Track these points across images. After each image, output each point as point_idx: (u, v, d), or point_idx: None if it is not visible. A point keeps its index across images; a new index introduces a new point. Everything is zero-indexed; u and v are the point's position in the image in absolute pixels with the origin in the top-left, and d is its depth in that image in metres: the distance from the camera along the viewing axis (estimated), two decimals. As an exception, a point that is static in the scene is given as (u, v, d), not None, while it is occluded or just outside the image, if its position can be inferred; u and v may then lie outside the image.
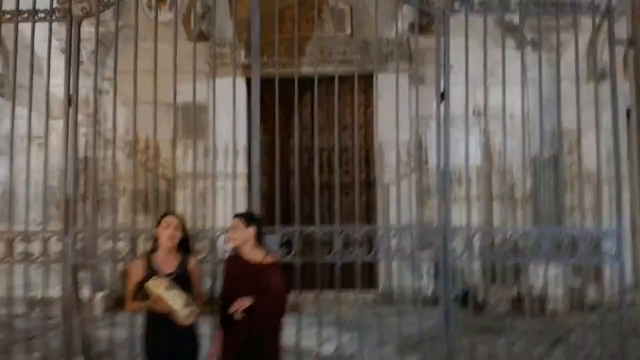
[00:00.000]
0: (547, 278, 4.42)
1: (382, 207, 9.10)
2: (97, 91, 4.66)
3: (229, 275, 3.51)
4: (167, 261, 3.47)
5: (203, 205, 8.57)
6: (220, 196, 8.38)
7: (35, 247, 4.41)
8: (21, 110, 4.50)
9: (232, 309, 3.29)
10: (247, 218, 3.60)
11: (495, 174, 9.52)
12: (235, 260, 3.56)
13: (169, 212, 3.68)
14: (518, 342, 4.45)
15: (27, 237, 4.38)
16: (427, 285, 8.24)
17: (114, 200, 6.41)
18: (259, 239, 3.57)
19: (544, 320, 4.22)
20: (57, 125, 4.65)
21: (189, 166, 8.86)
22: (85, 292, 6.91)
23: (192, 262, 3.57)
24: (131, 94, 4.57)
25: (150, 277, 3.30)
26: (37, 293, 4.57)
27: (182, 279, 3.38)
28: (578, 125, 4.25)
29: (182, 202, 8.51)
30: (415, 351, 4.88)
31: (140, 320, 3.69)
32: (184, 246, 3.57)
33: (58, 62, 4.58)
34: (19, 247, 4.37)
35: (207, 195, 8.70)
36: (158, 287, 3.21)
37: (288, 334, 3.95)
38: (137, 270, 3.45)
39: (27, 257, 4.41)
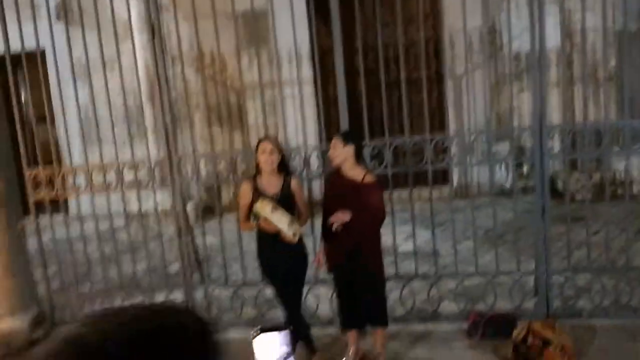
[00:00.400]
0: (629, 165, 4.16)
1: (454, 104, 8.79)
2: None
3: (330, 190, 3.70)
4: (270, 183, 3.69)
5: (274, 115, 8.65)
6: (289, 104, 8.42)
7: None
8: (88, 35, 4.59)
9: (331, 221, 3.48)
10: (345, 136, 3.68)
11: (576, 54, 8.93)
12: (337, 176, 3.70)
13: (264, 137, 3.81)
14: (602, 230, 4.35)
15: (134, 165, 4.71)
16: (504, 177, 8.13)
17: (190, 117, 6.55)
18: (358, 156, 3.66)
19: (627, 205, 4.03)
20: (126, 47, 4.71)
21: (256, 76, 9.13)
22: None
23: (294, 182, 3.77)
24: (190, 7, 4.52)
25: (258, 199, 3.55)
26: (133, 208, 4.90)
27: (285, 199, 3.62)
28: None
29: (253, 112, 8.64)
30: (502, 241, 4.88)
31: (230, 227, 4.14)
32: (283, 167, 3.76)
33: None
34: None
35: (276, 104, 8.77)
36: (264, 210, 3.48)
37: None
38: (245, 192, 3.69)
39: (136, 183, 4.76)
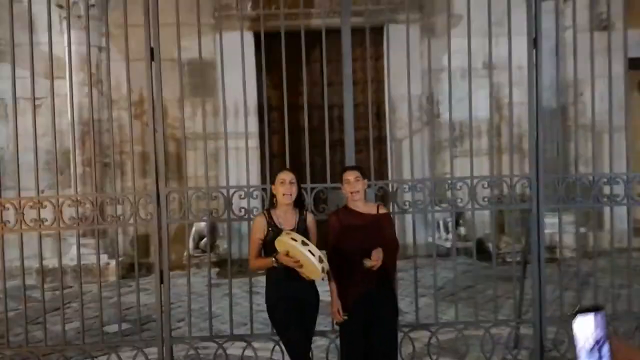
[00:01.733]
0: (557, 226, 4.32)
1: (395, 162, 9.00)
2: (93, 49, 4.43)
3: (345, 229, 3.48)
4: (287, 217, 3.48)
5: (215, 167, 8.47)
6: (232, 157, 8.28)
7: (49, 214, 4.14)
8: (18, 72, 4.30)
9: (371, 263, 3.22)
10: (362, 170, 3.63)
11: (504, 126, 9.45)
12: (348, 213, 3.55)
13: (283, 169, 3.59)
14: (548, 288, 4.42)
15: (77, 202, 4.18)
16: (443, 238, 8.35)
17: (122, 163, 6.26)
18: (365, 192, 3.65)
19: (559, 267, 4.14)
20: (57, 86, 4.44)
21: (198, 127, 9.05)
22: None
23: (309, 218, 3.59)
24: (134, 50, 4.36)
25: (275, 233, 3.30)
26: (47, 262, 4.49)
27: (302, 235, 3.35)
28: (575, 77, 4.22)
29: (193, 164, 8.43)
30: (458, 298, 4.80)
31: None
32: (300, 201, 3.57)
33: (53, 19, 4.37)
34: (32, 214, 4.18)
35: (218, 156, 8.62)
36: (292, 243, 3.20)
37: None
38: (260, 226, 3.45)
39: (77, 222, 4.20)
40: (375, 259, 3.19)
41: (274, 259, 3.21)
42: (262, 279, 3.76)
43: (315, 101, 7.34)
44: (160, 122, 4.07)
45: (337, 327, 3.69)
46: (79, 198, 4.10)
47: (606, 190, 4.24)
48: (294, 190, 3.39)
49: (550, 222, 4.56)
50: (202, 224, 7.92)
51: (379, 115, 9.16)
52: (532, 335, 4.21)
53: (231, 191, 4.14)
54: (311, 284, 3.39)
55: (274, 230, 3.34)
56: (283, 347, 3.76)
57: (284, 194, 3.38)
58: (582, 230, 6.33)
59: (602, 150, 5.12)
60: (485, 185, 4.19)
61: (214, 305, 4.08)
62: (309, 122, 4.16)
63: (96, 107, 4.61)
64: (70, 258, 5.83)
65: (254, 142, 8.50)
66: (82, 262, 4.19)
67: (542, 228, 4.15)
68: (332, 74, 4.98)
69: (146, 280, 6.64)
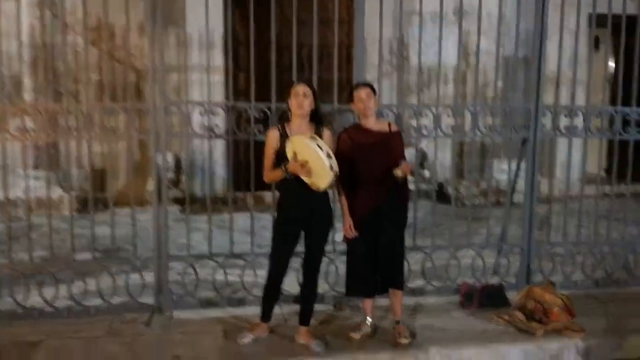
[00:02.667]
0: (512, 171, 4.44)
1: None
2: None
3: (356, 146, 3.38)
4: (301, 131, 3.26)
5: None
6: (196, 91, 8.02)
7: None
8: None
9: (401, 173, 3.20)
10: (373, 87, 3.47)
11: (470, 74, 9.45)
12: (359, 131, 3.46)
13: (298, 81, 3.38)
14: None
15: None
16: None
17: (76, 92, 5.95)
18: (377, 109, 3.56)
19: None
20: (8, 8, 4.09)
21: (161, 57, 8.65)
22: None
23: (327, 134, 3.35)
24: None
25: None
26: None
27: None
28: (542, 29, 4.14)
29: (152, 97, 8.08)
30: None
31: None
32: (316, 116, 3.37)
33: None
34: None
35: (180, 90, 8.30)
36: (300, 141, 3.06)
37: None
38: (274, 138, 3.28)
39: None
40: (405, 168, 3.21)
41: (283, 167, 3.13)
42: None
43: (287, 40, 6.99)
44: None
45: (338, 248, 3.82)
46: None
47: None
48: (306, 102, 3.21)
49: (505, 167, 4.58)
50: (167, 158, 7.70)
51: (349, 57, 8.94)
52: (520, 260, 4.33)
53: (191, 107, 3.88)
54: (322, 199, 3.29)
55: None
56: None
57: (296, 106, 3.23)
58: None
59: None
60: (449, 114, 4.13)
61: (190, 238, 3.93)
62: (278, 61, 3.92)
63: (49, 30, 4.27)
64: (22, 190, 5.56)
65: (219, 77, 8.23)
66: (34, 195, 4.00)
67: (536, 157, 4.22)
68: (304, 13, 4.72)
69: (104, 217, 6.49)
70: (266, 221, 3.93)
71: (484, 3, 4.14)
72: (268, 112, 3.84)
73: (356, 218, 3.39)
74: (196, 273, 3.88)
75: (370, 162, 3.27)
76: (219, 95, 8.07)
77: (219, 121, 3.89)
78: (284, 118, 3.39)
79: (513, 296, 4.11)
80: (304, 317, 3.41)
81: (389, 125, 3.48)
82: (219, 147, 8.35)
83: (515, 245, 4.35)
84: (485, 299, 4.01)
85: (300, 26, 4.46)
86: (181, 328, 3.63)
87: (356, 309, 3.94)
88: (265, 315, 3.43)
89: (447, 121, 4.16)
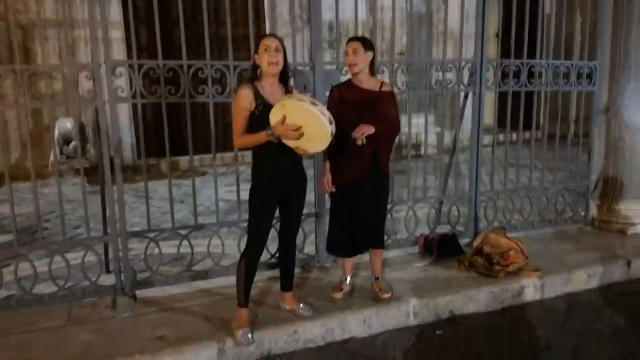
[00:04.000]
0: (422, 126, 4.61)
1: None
2: None
3: (341, 103, 3.20)
4: (273, 92, 2.97)
5: (72, 62, 7.35)
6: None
7: None
8: None
9: (355, 134, 3.08)
10: (365, 42, 3.27)
11: (378, 29, 9.61)
12: (350, 88, 3.32)
13: (268, 34, 3.01)
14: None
15: None
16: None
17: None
18: (372, 67, 3.35)
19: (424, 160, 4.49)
20: None
21: (49, 13, 7.70)
22: None
23: (295, 93, 3.09)
24: None
25: (264, 108, 2.85)
26: None
27: None
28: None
29: (42, 57, 7.22)
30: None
31: None
32: (285, 74, 3.04)
33: None
34: None
35: (74, 48, 7.48)
36: (301, 102, 2.76)
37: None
38: (247, 98, 2.89)
39: None
40: (358, 132, 3.09)
41: (269, 131, 2.82)
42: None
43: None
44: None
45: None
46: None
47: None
48: (280, 59, 2.90)
49: (415, 122, 4.69)
50: (68, 125, 6.98)
51: (258, 10, 8.62)
52: (468, 208, 4.55)
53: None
54: (301, 165, 3.10)
55: (263, 105, 2.88)
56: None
57: (269, 63, 2.88)
58: (439, 129, 6.85)
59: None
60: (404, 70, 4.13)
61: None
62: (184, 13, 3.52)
63: None
64: None
65: (118, 33, 7.54)
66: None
67: (482, 111, 4.40)
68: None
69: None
70: (188, 187, 3.69)
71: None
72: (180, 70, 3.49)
73: (340, 182, 3.32)
74: (160, 250, 3.61)
75: (355, 122, 3.14)
76: (119, 52, 7.43)
77: (122, 83, 3.42)
78: (252, 76, 3.02)
79: (464, 244, 4.39)
80: (288, 283, 3.33)
81: (381, 84, 3.36)
82: (124, 111, 7.76)
83: (464, 195, 4.57)
84: (442, 248, 4.21)
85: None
86: (151, 308, 3.38)
87: (324, 269, 3.96)
88: (247, 299, 3.11)
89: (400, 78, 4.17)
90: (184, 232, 3.66)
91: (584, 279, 3.96)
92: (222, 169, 8.21)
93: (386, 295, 3.46)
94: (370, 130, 3.11)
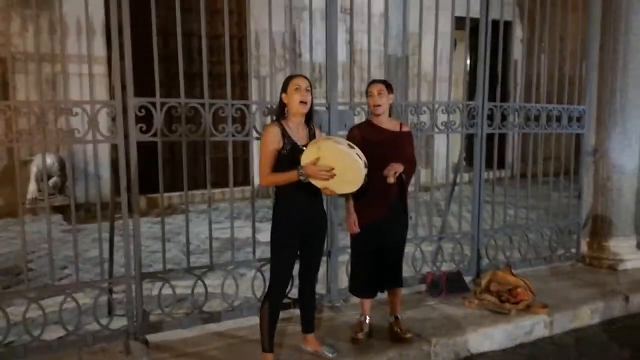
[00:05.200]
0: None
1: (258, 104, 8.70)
2: None
3: (367, 143, 3.17)
4: (299, 132, 2.98)
5: (53, 96, 7.17)
6: (75, 84, 7.10)
7: None
8: None
9: (387, 172, 3.14)
10: (389, 85, 3.39)
11: (357, 70, 9.84)
12: (371, 128, 3.38)
13: (296, 74, 3.03)
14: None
15: None
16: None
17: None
18: (391, 108, 3.48)
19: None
20: None
21: (30, 45, 7.49)
22: None
23: (318, 134, 3.10)
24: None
25: (292, 148, 2.87)
26: None
27: None
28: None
29: (24, 91, 7.01)
30: None
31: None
32: (308, 115, 3.02)
33: None
34: None
35: (55, 83, 7.30)
36: (336, 146, 2.77)
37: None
38: (276, 136, 2.90)
39: None
40: (389, 170, 3.15)
41: (301, 171, 2.80)
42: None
43: (173, 28, 6.57)
44: None
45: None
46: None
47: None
48: (310, 98, 2.93)
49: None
50: (48, 161, 6.74)
51: (241, 49, 8.69)
52: (470, 244, 4.64)
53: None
54: (322, 204, 3.10)
55: (290, 144, 2.89)
56: (263, 274, 3.63)
57: (300, 102, 2.90)
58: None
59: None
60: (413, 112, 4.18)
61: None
62: (165, 52, 3.43)
63: None
64: None
65: (101, 69, 7.41)
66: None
67: (483, 151, 4.51)
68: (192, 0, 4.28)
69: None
70: (174, 225, 3.59)
71: (366, 3, 4.12)
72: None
73: (361, 222, 3.33)
74: (174, 291, 3.49)
75: (380, 161, 3.18)
76: (101, 87, 7.30)
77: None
78: (279, 114, 3.04)
79: (467, 281, 4.44)
80: (309, 324, 3.27)
81: (401, 124, 3.46)
82: (104, 148, 7.58)
83: (467, 233, 4.65)
84: (449, 285, 4.25)
85: (188, 14, 4.12)
86: (166, 352, 3.25)
87: (336, 309, 3.96)
88: (272, 344, 3.05)
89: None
90: (198, 273, 3.57)
91: (588, 315, 4.07)
92: (202, 206, 8.12)
93: (409, 335, 3.45)
94: (400, 168, 3.16)
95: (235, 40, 8.57)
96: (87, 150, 7.73)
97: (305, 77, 2.99)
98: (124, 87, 3.32)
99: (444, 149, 4.67)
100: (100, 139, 3.25)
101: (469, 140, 4.70)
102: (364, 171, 2.83)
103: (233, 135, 3.59)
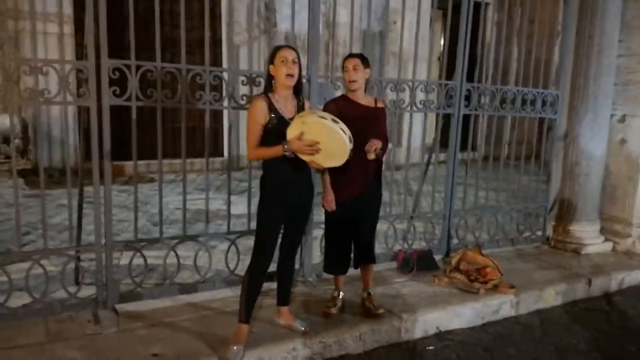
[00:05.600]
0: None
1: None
2: None
3: (343, 118, 3.03)
4: (287, 104, 2.91)
5: (16, 54, 6.83)
6: (39, 43, 6.77)
7: None
8: None
9: (369, 147, 3.09)
10: (365, 59, 3.30)
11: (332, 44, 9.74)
12: (347, 103, 3.31)
13: (283, 45, 2.94)
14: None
15: None
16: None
17: None
18: (367, 84, 3.41)
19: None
20: None
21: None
22: None
23: (308, 105, 3.06)
24: None
25: (279, 121, 2.81)
26: None
27: None
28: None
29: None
30: None
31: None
32: (297, 87, 2.95)
33: None
34: None
35: (18, 41, 6.94)
36: (323, 119, 2.71)
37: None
38: (262, 110, 2.83)
39: None
40: (370, 146, 3.10)
41: (286, 146, 2.76)
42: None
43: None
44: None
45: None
46: None
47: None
48: (297, 71, 2.87)
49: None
50: (7, 123, 6.47)
51: (214, 15, 8.44)
52: (442, 224, 4.71)
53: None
54: (310, 178, 3.07)
55: (277, 118, 2.83)
56: (237, 247, 3.65)
57: (287, 75, 2.84)
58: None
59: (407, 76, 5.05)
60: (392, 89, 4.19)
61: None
62: (135, 13, 3.29)
63: None
64: None
65: (67, 28, 7.09)
66: None
67: (458, 131, 4.52)
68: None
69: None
70: (141, 195, 3.50)
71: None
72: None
73: (339, 199, 3.29)
74: (145, 261, 3.41)
75: (356, 137, 3.04)
76: (67, 47, 6.99)
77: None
78: (266, 87, 2.96)
79: (437, 259, 4.50)
80: (285, 297, 3.26)
81: (376, 100, 3.42)
82: (70, 112, 7.32)
83: (438, 213, 4.69)
84: (420, 263, 4.30)
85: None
86: (137, 322, 3.19)
87: (308, 284, 3.95)
88: (249, 316, 3.01)
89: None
90: (171, 243, 3.50)
91: (552, 296, 4.19)
92: (170, 176, 7.97)
93: (381, 311, 3.47)
94: (379, 144, 3.13)
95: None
96: (52, 114, 7.47)
97: (293, 49, 2.91)
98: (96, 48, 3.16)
99: (417, 128, 4.67)
100: (71, 101, 3.11)
101: (444, 120, 4.70)
102: (350, 145, 2.79)
103: (210, 104, 3.49)
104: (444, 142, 4.61)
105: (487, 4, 4.76)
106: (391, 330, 3.42)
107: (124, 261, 3.53)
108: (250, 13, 8.13)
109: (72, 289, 3.26)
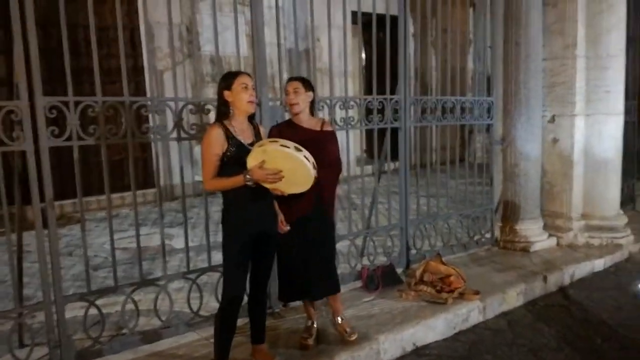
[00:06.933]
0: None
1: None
2: None
3: None
4: (244, 130, 2.80)
5: None
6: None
7: None
8: None
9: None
10: (305, 82, 3.25)
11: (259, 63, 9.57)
12: (290, 127, 3.25)
13: (240, 71, 2.81)
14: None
15: None
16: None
17: None
18: (312, 106, 3.32)
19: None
20: None
21: None
22: None
23: (262, 130, 2.98)
24: None
25: (238, 148, 2.69)
26: None
27: None
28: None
29: None
30: None
31: None
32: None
33: None
34: None
35: None
36: (285, 148, 2.61)
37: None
38: (219, 139, 2.69)
39: None
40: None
41: (247, 175, 2.62)
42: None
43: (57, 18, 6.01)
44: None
45: None
46: None
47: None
48: (255, 98, 2.81)
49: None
50: None
51: (134, 42, 8.07)
52: (399, 236, 4.66)
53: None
54: (272, 205, 2.97)
55: (236, 145, 2.70)
56: (198, 286, 3.46)
57: (249, 102, 2.76)
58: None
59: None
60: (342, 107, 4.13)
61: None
62: (47, 44, 3.00)
63: None
64: None
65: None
66: None
67: (407, 144, 4.56)
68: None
69: None
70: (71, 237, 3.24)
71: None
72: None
73: (287, 221, 3.14)
74: (102, 314, 3.10)
75: None
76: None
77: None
78: (221, 114, 2.80)
79: (399, 272, 4.47)
80: (260, 334, 3.07)
81: (322, 123, 3.32)
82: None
83: (395, 225, 4.66)
84: (384, 279, 4.25)
85: (72, 3, 3.68)
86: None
87: (276, 315, 3.76)
88: (227, 357, 2.84)
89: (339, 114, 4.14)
90: (127, 290, 3.21)
91: (514, 297, 4.27)
92: (100, 214, 7.47)
93: (354, 337, 3.36)
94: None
95: (127, 32, 7.93)
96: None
97: (249, 75, 2.81)
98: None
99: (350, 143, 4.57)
100: (4, 147, 2.78)
101: (371, 134, 4.58)
102: (314, 172, 2.69)
103: (159, 135, 3.26)
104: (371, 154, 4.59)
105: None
106: (370, 354, 3.32)
107: (70, 314, 3.18)
108: (170, 38, 7.84)
109: (24, 353, 2.90)
